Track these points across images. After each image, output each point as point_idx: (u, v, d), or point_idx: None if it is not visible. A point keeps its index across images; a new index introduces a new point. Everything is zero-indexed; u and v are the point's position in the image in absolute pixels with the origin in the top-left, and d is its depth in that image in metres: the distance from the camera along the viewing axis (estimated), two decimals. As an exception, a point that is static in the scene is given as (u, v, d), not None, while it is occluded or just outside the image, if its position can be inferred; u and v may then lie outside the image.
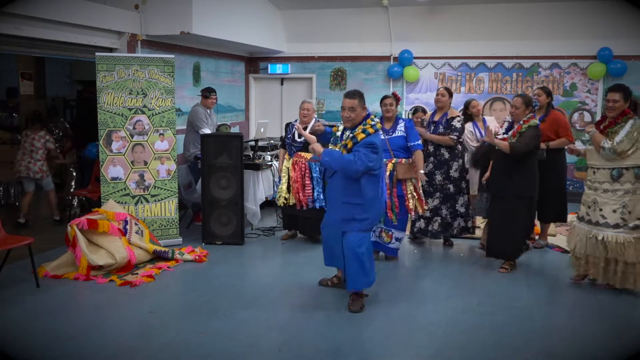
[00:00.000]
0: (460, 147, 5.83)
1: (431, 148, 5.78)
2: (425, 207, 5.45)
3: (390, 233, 5.36)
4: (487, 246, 5.34)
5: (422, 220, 5.91)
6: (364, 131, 4.12)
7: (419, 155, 5.35)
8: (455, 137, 5.65)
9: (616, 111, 4.52)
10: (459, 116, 5.75)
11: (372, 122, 4.18)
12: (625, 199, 4.46)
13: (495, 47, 8.77)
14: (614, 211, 4.49)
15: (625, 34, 8.18)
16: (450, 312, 4.26)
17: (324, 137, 4.61)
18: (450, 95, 5.80)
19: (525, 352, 3.59)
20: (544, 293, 4.71)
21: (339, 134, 4.38)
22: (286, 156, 6.05)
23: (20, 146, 6.77)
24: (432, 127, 5.79)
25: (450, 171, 5.75)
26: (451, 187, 5.77)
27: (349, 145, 4.14)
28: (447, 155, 5.74)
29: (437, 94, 5.83)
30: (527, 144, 4.90)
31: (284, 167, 6.01)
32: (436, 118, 5.83)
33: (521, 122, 5.03)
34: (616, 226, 4.49)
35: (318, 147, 4.17)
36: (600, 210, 4.54)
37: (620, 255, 4.47)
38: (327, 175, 4.46)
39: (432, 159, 5.78)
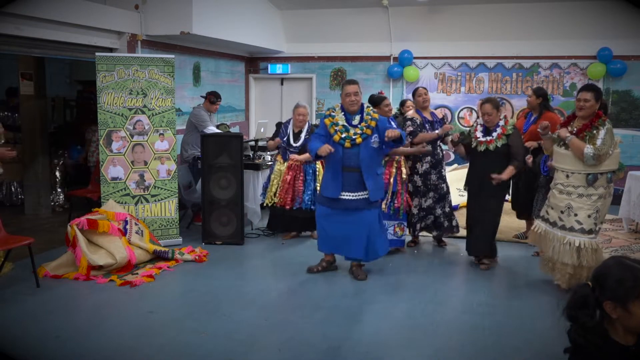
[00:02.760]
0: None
1: (428, 148, 5.81)
2: (414, 206, 5.75)
3: (402, 226, 5.63)
4: (468, 246, 5.42)
5: (416, 216, 5.96)
6: (372, 118, 4.74)
7: None
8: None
9: (586, 111, 4.35)
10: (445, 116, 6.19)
11: (371, 109, 4.85)
12: (598, 203, 4.35)
13: (495, 47, 8.78)
14: (589, 216, 4.36)
15: (625, 34, 8.17)
16: (450, 312, 4.27)
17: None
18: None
19: (525, 352, 3.59)
20: (544, 293, 4.70)
21: (338, 118, 4.76)
22: (280, 159, 6.12)
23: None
24: (428, 127, 5.83)
25: (442, 171, 5.90)
26: (444, 186, 5.88)
27: (369, 133, 4.70)
28: (441, 155, 5.93)
29: (420, 94, 5.81)
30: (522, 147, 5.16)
31: (276, 170, 6.09)
32: (429, 118, 5.87)
33: (501, 123, 5.02)
34: (590, 232, 4.38)
35: (396, 132, 4.56)
36: (576, 215, 4.39)
37: (592, 262, 4.31)
38: (347, 158, 4.71)
39: (429, 158, 5.78)
